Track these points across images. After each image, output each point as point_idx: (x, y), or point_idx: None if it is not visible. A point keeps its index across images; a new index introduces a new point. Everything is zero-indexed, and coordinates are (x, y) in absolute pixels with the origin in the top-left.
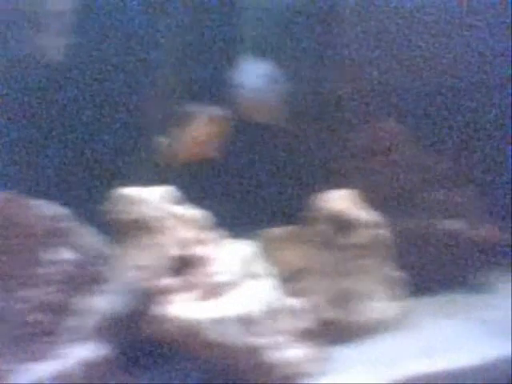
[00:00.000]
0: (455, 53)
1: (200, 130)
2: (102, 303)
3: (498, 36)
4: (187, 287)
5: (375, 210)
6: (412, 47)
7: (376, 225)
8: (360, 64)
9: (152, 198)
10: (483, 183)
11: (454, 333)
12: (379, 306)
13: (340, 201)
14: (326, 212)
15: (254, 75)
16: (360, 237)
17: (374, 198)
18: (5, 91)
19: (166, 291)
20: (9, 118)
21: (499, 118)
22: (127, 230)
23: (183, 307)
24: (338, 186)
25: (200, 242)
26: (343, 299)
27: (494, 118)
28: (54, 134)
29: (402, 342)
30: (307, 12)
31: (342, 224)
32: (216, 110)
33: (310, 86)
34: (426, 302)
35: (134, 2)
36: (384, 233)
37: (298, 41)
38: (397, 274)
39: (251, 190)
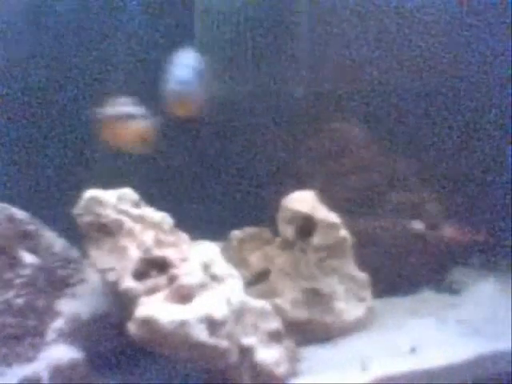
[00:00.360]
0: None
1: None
2: (69, 306)
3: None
4: (153, 289)
5: (337, 211)
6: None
7: (339, 226)
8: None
9: (112, 200)
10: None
11: (425, 332)
12: (347, 306)
13: (302, 202)
14: (289, 213)
15: (182, 68)
16: (324, 238)
17: (334, 199)
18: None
19: (131, 293)
20: None
21: (499, 118)
22: (89, 233)
23: (150, 309)
24: (300, 187)
25: (163, 244)
26: (310, 300)
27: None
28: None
29: (372, 342)
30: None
31: (305, 225)
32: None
33: (274, 86)
34: (394, 302)
35: None
36: (347, 234)
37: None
38: (362, 274)
39: (214, 191)
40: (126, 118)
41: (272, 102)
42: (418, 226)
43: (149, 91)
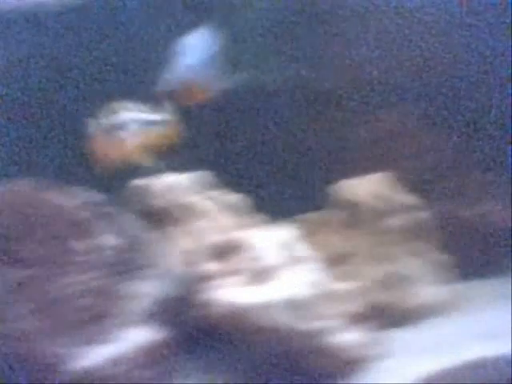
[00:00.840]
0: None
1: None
2: (148, 288)
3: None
4: (230, 272)
5: (413, 193)
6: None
7: (419, 207)
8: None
9: (187, 183)
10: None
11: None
12: (428, 289)
13: (382, 184)
14: (369, 195)
15: (189, 52)
16: (404, 220)
17: (409, 181)
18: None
19: (209, 276)
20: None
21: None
22: (165, 216)
23: (228, 292)
24: (374, 169)
25: (239, 227)
26: (391, 283)
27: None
28: None
29: (455, 325)
30: None
31: (384, 207)
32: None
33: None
34: (477, 286)
35: None
36: (428, 215)
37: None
38: (444, 256)
39: (292, 173)
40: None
41: (333, 87)
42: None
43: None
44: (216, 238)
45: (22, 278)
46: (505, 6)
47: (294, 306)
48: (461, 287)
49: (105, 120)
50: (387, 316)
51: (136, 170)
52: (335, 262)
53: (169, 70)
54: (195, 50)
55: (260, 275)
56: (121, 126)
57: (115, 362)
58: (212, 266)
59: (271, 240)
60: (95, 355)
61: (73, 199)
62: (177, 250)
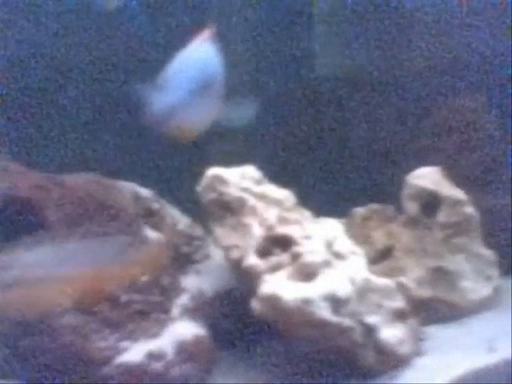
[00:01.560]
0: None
1: None
2: (193, 283)
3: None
4: (276, 267)
5: (461, 187)
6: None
7: (465, 202)
8: None
9: (235, 178)
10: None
11: None
12: (473, 285)
13: (427, 178)
14: (414, 189)
15: (180, 78)
16: (450, 215)
17: (458, 175)
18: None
19: (254, 271)
20: None
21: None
22: (212, 211)
23: (274, 287)
24: (424, 163)
25: (286, 221)
26: (436, 278)
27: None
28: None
29: (500, 322)
30: None
31: (431, 202)
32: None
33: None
34: None
35: None
36: (474, 210)
37: None
38: (489, 252)
39: (337, 168)
40: None
41: (393, 78)
42: None
43: None
44: (262, 233)
45: None
46: (505, 5)
47: (338, 301)
48: (506, 283)
49: None
50: (431, 312)
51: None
52: (380, 257)
53: (153, 105)
54: (183, 80)
55: (304, 271)
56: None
57: (157, 357)
58: (257, 261)
59: (316, 236)
60: (138, 350)
61: (120, 194)
62: (223, 245)
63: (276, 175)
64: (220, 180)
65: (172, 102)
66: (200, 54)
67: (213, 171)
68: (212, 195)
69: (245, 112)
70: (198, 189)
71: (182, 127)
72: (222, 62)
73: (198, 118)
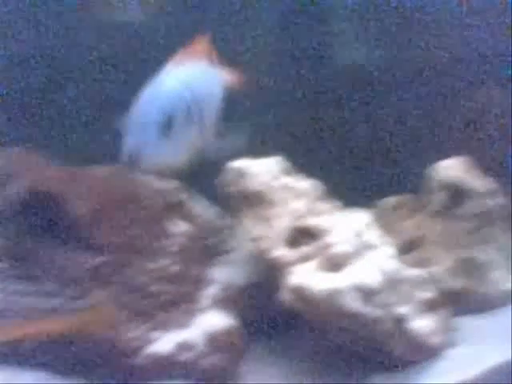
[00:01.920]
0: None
1: None
2: (221, 274)
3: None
4: (305, 258)
5: (490, 178)
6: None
7: (495, 192)
8: None
9: (262, 169)
10: None
11: None
12: (504, 275)
13: (456, 168)
14: (442, 180)
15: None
16: (479, 205)
17: (487, 166)
18: None
19: (283, 261)
20: None
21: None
22: (240, 201)
23: (302, 277)
24: (452, 154)
25: (314, 212)
26: (466, 269)
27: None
28: None
29: None
30: None
31: (459, 193)
32: None
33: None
34: None
35: None
36: (504, 201)
37: None
38: None
39: (365, 158)
40: None
41: (418, 68)
42: None
43: None
44: (290, 223)
45: (96, 264)
46: (505, 5)
47: (367, 292)
48: None
49: None
50: (461, 303)
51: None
52: (409, 247)
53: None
54: (146, 117)
55: (333, 261)
56: None
57: (187, 347)
58: (285, 252)
59: (345, 226)
60: (168, 341)
61: (145, 186)
62: (251, 236)
63: (304, 165)
64: (248, 170)
65: (133, 143)
66: (169, 83)
67: (240, 162)
68: (239, 186)
69: (238, 138)
70: (226, 179)
71: (152, 169)
72: (212, 84)
73: (169, 157)
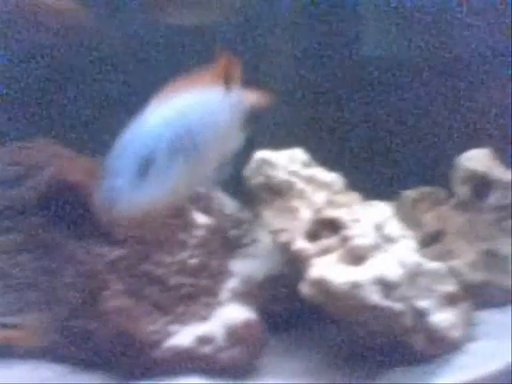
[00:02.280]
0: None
1: None
2: (241, 267)
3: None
4: (325, 250)
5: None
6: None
7: None
8: None
9: (283, 161)
10: None
11: None
12: None
13: (479, 161)
14: (465, 172)
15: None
16: (502, 197)
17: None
18: None
19: (303, 254)
20: None
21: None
22: (260, 194)
23: (323, 270)
24: (475, 145)
25: (335, 204)
26: (488, 262)
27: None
28: None
29: None
30: None
31: (482, 184)
32: None
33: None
34: None
35: None
36: None
37: None
38: None
39: (386, 151)
40: None
41: (442, 60)
42: None
43: None
44: (311, 216)
45: (115, 257)
46: (505, 5)
47: (388, 285)
48: None
49: None
50: (482, 296)
51: None
52: (430, 240)
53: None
54: (128, 158)
55: (354, 254)
56: None
57: (207, 340)
58: (306, 245)
59: (366, 219)
60: (187, 334)
61: None
62: (271, 229)
63: (324, 158)
64: (268, 163)
65: (108, 187)
66: (150, 122)
67: (261, 154)
68: (260, 179)
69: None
70: (246, 172)
71: (127, 213)
72: (218, 111)
73: (147, 200)
